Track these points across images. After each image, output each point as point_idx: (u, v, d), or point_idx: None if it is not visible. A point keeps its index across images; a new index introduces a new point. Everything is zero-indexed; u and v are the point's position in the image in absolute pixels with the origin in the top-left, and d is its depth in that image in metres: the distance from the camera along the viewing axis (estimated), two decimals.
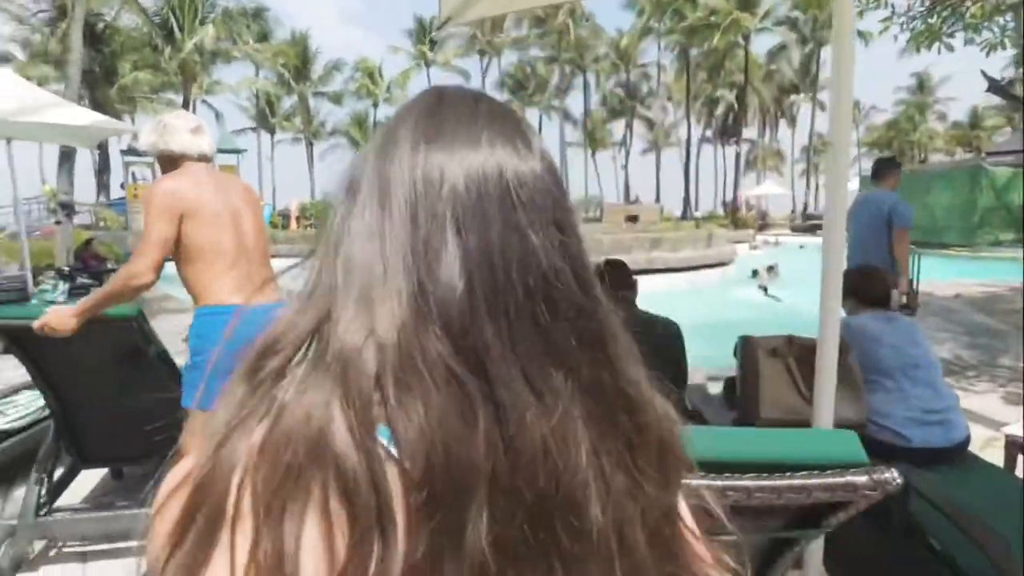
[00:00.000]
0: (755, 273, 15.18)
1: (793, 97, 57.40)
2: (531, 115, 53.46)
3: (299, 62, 40.91)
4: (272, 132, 50.40)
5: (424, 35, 48.47)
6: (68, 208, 11.74)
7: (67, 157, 11.76)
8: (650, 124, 52.64)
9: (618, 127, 58.08)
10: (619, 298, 0.51)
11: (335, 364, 0.40)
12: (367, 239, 0.45)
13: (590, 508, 0.42)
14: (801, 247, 26.85)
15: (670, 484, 0.49)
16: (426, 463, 0.37)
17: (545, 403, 0.41)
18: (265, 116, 47.79)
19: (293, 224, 33.10)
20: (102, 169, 24.91)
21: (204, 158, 2.20)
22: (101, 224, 21.17)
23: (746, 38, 29.67)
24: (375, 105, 45.93)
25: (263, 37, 40.36)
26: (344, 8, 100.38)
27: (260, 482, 0.36)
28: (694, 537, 0.53)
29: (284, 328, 0.43)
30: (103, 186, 26.14)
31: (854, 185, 38.37)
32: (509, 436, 0.40)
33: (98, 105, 26.22)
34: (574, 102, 65.45)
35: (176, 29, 21.36)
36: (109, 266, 10.41)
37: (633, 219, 21.73)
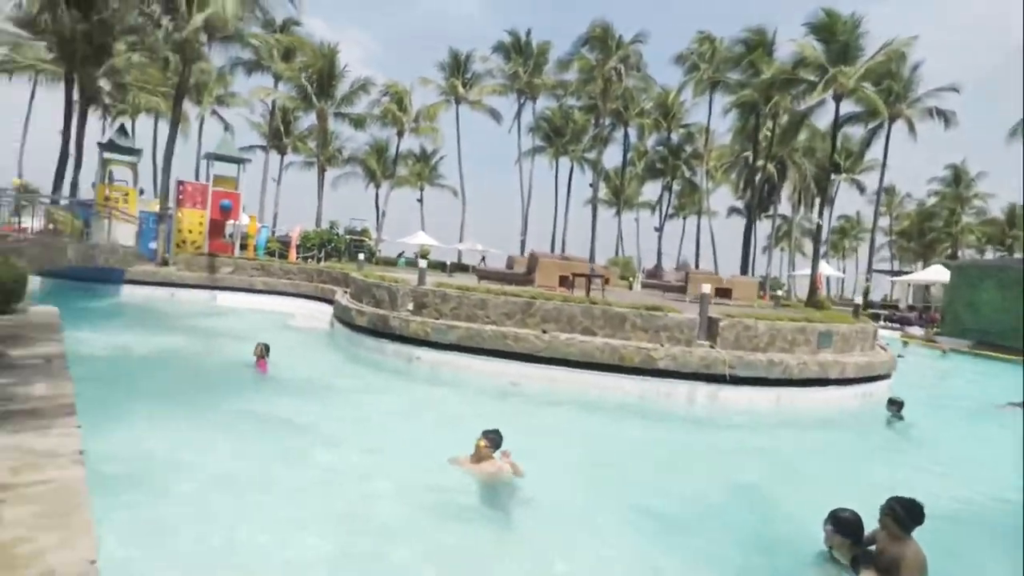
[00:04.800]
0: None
1: (832, 176, 54.62)
2: (563, 165, 49.87)
3: (324, 76, 37.06)
4: (283, 153, 46.43)
5: (458, 69, 45.17)
6: None
7: None
8: (692, 187, 49.07)
9: (651, 187, 54.63)
10: None
11: None
12: None
13: None
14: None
15: None
16: None
17: None
18: (279, 134, 43.86)
19: (292, 253, 28.48)
20: (64, 158, 20.32)
21: None
22: (51, 226, 16.46)
23: (839, 98, 25.87)
24: (400, 134, 42.05)
25: (288, 54, 36.79)
26: (368, 51, 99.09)
27: None
28: None
29: None
30: (65, 178, 21.48)
31: (929, 275, 34.37)
32: None
33: (82, 88, 21.91)
34: (609, 156, 62.05)
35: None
36: None
37: (725, 293, 17.15)
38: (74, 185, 22.59)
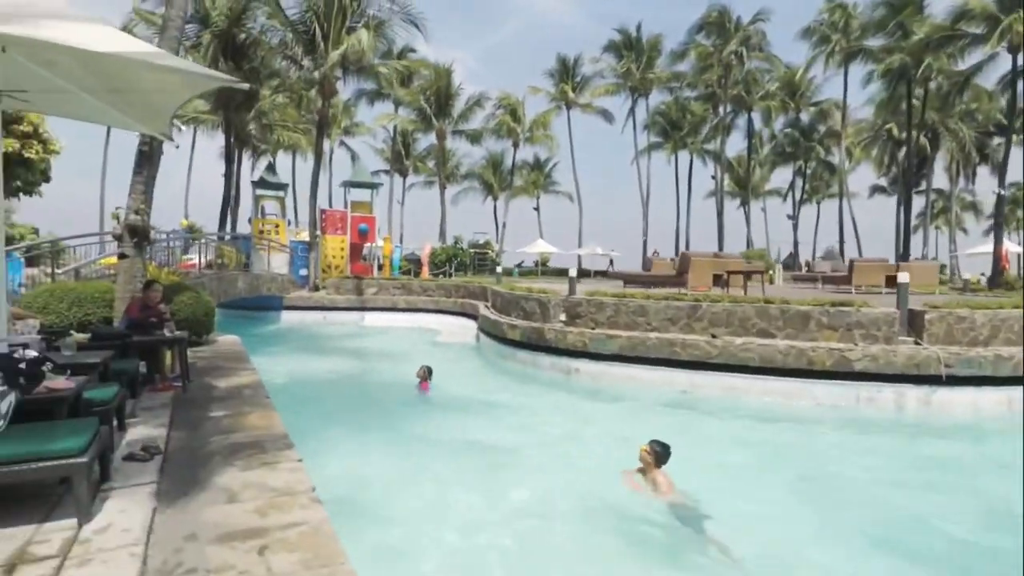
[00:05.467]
0: None
1: (998, 140, 48.09)
2: (682, 159, 47.80)
3: (442, 95, 38.34)
4: (405, 175, 48.52)
5: (567, 75, 44.87)
6: (140, 235, 7.70)
7: (146, 160, 7.86)
8: (828, 168, 45.21)
9: (779, 173, 50.99)
10: None
11: None
12: None
13: None
14: None
15: None
16: None
17: None
18: (400, 157, 45.89)
19: (424, 270, 29.43)
20: (227, 198, 22.40)
21: None
22: (219, 261, 18.07)
23: (1015, 50, 22.28)
24: (515, 145, 42.41)
25: (407, 79, 38.41)
26: (468, 69, 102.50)
27: None
28: None
29: None
30: (227, 217, 23.70)
31: None
32: None
33: (236, 133, 24.05)
34: (731, 144, 58.54)
35: (319, 37, 18.15)
36: (165, 332, 5.98)
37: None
38: (233, 222, 24.86)
